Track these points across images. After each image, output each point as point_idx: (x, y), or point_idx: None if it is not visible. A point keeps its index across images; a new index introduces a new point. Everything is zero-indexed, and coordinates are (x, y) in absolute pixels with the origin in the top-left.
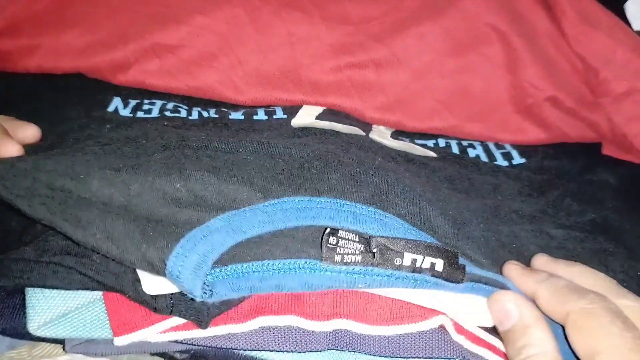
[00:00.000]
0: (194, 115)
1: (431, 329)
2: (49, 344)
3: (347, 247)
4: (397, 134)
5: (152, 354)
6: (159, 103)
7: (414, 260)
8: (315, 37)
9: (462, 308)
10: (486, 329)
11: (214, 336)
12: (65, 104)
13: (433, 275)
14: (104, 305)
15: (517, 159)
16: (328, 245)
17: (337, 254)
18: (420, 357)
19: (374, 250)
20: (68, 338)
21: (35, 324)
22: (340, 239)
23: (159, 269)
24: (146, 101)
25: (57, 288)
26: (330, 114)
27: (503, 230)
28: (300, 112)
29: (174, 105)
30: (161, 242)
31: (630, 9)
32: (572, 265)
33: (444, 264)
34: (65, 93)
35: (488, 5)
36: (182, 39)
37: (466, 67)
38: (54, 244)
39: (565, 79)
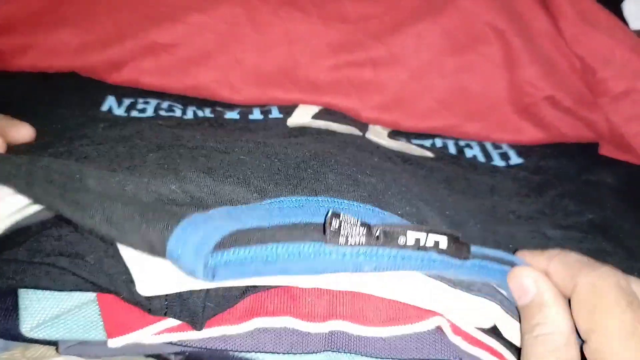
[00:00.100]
0: (189, 114)
1: (428, 330)
2: (42, 345)
3: (350, 230)
4: (394, 134)
5: (147, 356)
6: (153, 102)
7: (418, 240)
8: (313, 35)
9: (459, 309)
10: (484, 330)
11: (209, 338)
12: (59, 103)
13: (438, 253)
14: (97, 306)
15: (515, 159)
16: (331, 229)
17: (341, 236)
18: (416, 359)
19: (377, 234)
20: (62, 340)
21: (28, 326)
22: (343, 222)
23: (159, 251)
24: (140, 100)
25: (50, 289)
26: (326, 113)
27: (500, 231)
28: (296, 111)
29: (169, 104)
30: (161, 224)
31: (627, 8)
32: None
33: (448, 240)
34: (59, 92)
35: (487, 4)
36: (178, 38)
37: (464, 67)
38: (47, 244)
39: (563, 78)
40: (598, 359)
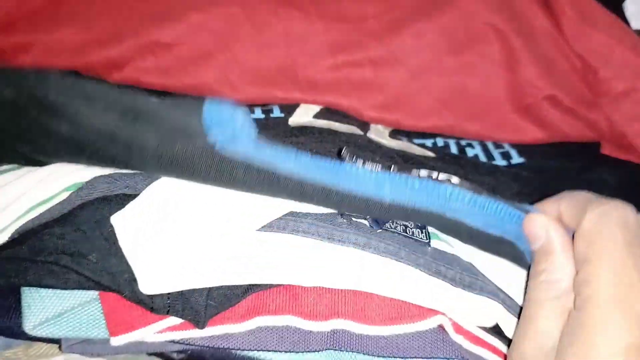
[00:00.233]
0: None
1: (430, 328)
2: (45, 343)
3: (365, 160)
4: (395, 133)
5: (149, 354)
6: None
7: (430, 174)
8: (312, 35)
9: (461, 308)
10: (485, 329)
11: (211, 336)
12: None
13: (452, 186)
14: (100, 304)
15: (516, 159)
16: (347, 157)
17: (358, 161)
18: (418, 357)
19: (392, 169)
20: (64, 338)
21: (31, 324)
22: (358, 157)
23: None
24: None
25: (53, 288)
26: (328, 112)
27: None
28: (298, 110)
29: None
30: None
31: (629, 7)
32: None
33: (459, 179)
34: None
35: (487, 4)
36: (178, 37)
37: (464, 66)
38: (49, 243)
39: (564, 78)
40: (582, 289)
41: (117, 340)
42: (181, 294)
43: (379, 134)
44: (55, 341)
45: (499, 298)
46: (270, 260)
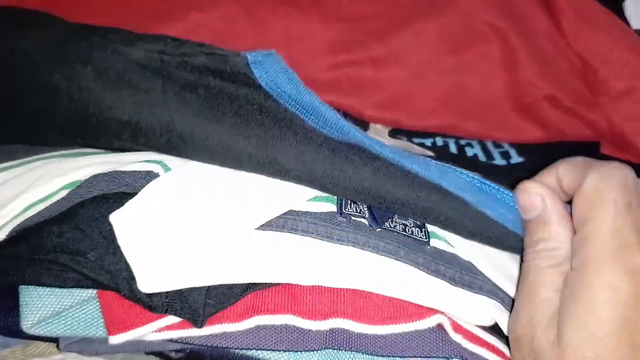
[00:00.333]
0: None
1: (429, 328)
2: (43, 342)
3: None
4: (395, 132)
5: (147, 353)
6: None
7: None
8: (311, 34)
9: (461, 307)
10: (485, 328)
11: (210, 335)
12: None
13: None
14: (98, 303)
15: (515, 158)
16: None
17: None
18: (418, 357)
19: None
20: (62, 336)
21: (29, 322)
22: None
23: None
24: None
25: (51, 286)
26: None
27: None
28: None
29: None
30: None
31: (629, 7)
32: None
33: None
34: None
35: (486, 3)
36: (177, 36)
37: (464, 65)
38: (48, 241)
39: (563, 77)
40: (581, 249)
41: (115, 339)
42: (180, 292)
43: (378, 133)
44: (53, 340)
45: (498, 297)
46: (269, 259)
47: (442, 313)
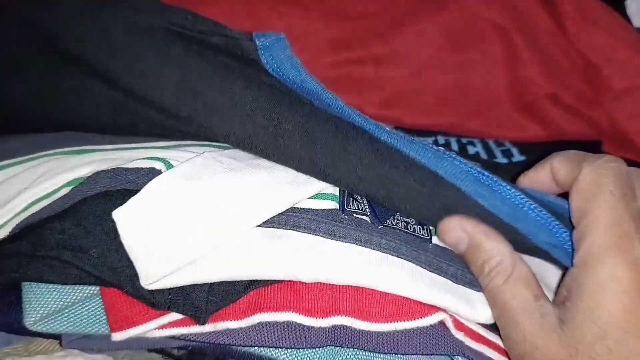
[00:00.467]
0: None
1: (431, 325)
2: (45, 339)
3: None
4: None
5: (150, 350)
6: None
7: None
8: (313, 32)
9: (462, 304)
10: (486, 326)
11: (212, 332)
12: None
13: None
14: (101, 300)
15: (517, 157)
16: None
17: None
18: (419, 354)
19: None
20: (65, 333)
21: (31, 319)
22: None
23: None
24: None
25: (53, 283)
26: None
27: None
28: None
29: None
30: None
31: (630, 6)
32: None
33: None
34: None
35: (488, 1)
36: None
37: (466, 63)
38: (50, 238)
39: (565, 76)
40: (580, 243)
41: (117, 336)
42: (182, 289)
43: None
44: (56, 337)
45: None
46: (271, 256)
47: (444, 311)
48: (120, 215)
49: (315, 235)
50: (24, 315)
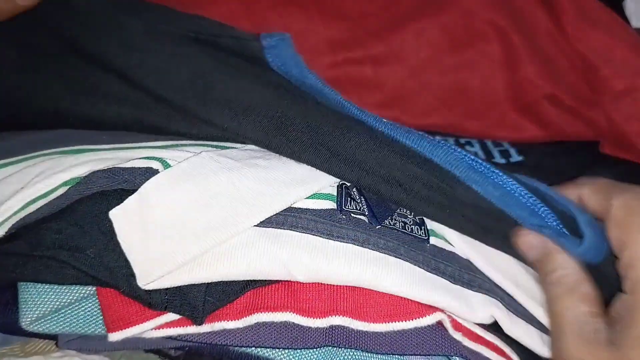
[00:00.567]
0: None
1: (429, 325)
2: (42, 340)
3: None
4: None
5: (147, 351)
6: None
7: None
8: (312, 32)
9: (460, 305)
10: (484, 327)
11: (209, 332)
12: None
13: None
14: (97, 300)
15: (515, 157)
16: None
17: None
18: (417, 354)
19: None
20: (61, 334)
21: (28, 319)
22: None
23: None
24: None
25: (50, 283)
26: None
27: None
28: None
29: None
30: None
31: (629, 6)
32: None
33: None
34: None
35: (487, 1)
36: None
37: (464, 64)
38: (47, 238)
39: (564, 76)
40: (629, 272)
41: (114, 337)
42: (179, 289)
43: None
44: (52, 337)
45: (498, 295)
46: (269, 256)
47: (442, 311)
48: (117, 215)
49: (313, 235)
50: (21, 316)
